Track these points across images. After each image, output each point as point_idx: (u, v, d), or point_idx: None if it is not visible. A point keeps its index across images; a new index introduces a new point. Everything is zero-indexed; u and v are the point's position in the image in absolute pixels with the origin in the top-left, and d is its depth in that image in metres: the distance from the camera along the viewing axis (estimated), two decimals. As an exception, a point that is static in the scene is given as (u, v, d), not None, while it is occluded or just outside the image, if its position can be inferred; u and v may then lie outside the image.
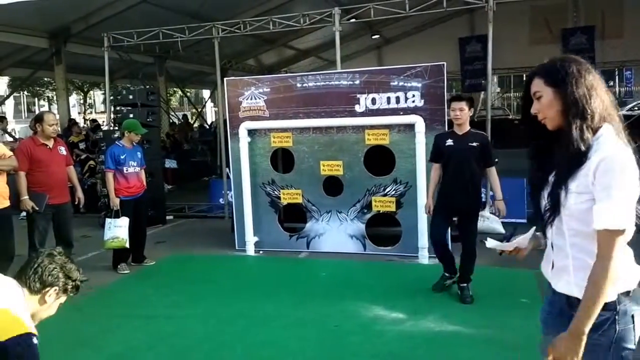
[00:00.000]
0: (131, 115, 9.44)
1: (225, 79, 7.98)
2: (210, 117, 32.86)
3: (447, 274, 5.97)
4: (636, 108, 25.87)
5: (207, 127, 20.95)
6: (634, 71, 28.28)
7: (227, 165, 11.23)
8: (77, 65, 16.02)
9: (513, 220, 7.82)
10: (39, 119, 6.50)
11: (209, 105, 28.56)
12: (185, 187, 14.26)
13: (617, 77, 29.72)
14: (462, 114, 5.66)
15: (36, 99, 40.59)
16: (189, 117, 23.47)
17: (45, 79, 27.88)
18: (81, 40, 13.40)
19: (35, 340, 2.25)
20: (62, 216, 6.57)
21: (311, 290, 6.20)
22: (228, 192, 9.63)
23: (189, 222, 10.23)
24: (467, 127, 5.76)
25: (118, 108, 10.01)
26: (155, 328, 5.27)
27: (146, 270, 7.30)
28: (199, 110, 22.28)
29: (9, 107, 41.71)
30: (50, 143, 6.49)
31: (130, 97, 9.83)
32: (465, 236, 5.83)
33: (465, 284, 5.78)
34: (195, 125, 21.63)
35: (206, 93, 32.26)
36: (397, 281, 6.42)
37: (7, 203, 5.85)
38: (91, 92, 39.02)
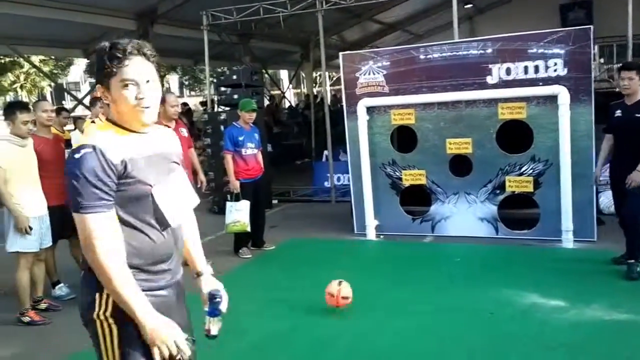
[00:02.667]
0: (235, 96, 9.16)
1: (340, 53, 7.51)
2: (291, 98, 32.66)
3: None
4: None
5: (294, 107, 20.61)
6: None
7: (325, 148, 10.91)
8: (159, 47, 15.82)
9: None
10: (161, 100, 6.21)
11: (286, 86, 28.30)
12: (279, 171, 13.99)
13: None
14: (630, 84, 5.40)
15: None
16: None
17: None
18: (167, 21, 13.07)
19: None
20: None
21: (448, 276, 5.75)
22: (341, 174, 9.26)
23: (295, 206, 9.90)
24: (638, 97, 5.42)
25: (222, 89, 9.72)
26: (293, 314, 4.99)
27: (268, 254, 7.06)
28: (284, 91, 21.95)
29: (84, 94, 42.74)
30: (172, 125, 6.24)
31: (234, 77, 9.55)
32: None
33: (633, 261, 5.37)
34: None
35: (283, 74, 31.95)
36: (543, 266, 5.86)
37: None
38: (167, 76, 39.66)
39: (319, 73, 22.31)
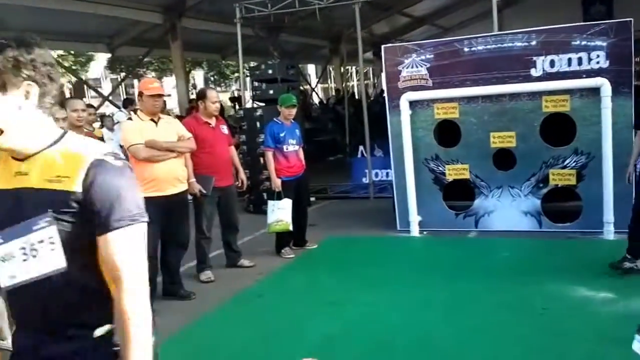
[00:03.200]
0: (271, 92, 9.16)
1: (383, 46, 7.50)
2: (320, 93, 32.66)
3: None
4: None
5: (325, 103, 20.61)
6: None
7: (362, 143, 10.91)
8: (186, 41, 15.73)
9: None
10: (201, 96, 6.21)
11: (314, 81, 28.30)
12: (314, 168, 13.99)
13: None
14: None
15: (135, 80, 41.33)
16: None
17: (146, 59, 27.54)
18: (195, 14, 12.81)
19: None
20: (227, 199, 6.31)
21: (497, 272, 5.72)
22: (379, 170, 9.25)
23: (334, 204, 9.88)
24: None
25: (256, 84, 9.70)
26: (346, 315, 4.95)
27: (311, 253, 7.01)
28: (313, 87, 21.94)
29: (106, 90, 42.51)
30: (213, 121, 6.20)
31: (270, 71, 9.46)
32: None
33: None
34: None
35: (311, 68, 31.98)
36: (588, 259, 5.84)
37: (184, 187, 5.53)
38: (193, 72, 39.78)
39: (346, 67, 22.27)
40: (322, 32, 16.32)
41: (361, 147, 11.01)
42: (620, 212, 6.26)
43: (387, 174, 10.04)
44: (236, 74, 28.94)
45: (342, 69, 20.43)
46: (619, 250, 5.55)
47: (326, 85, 29.85)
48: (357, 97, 20.36)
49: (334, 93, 22.19)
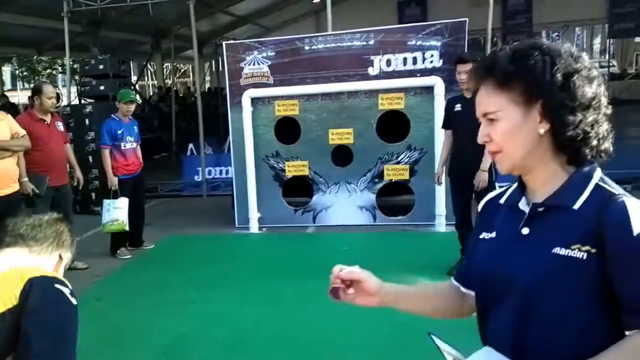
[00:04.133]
0: (102, 87, 8.63)
1: (224, 42, 7.37)
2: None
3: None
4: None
5: (147, 100, 19.71)
6: (562, 32, 29.33)
7: (190, 141, 10.61)
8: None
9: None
10: (37, 91, 5.77)
11: (134, 78, 26.88)
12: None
13: (545, 39, 30.81)
14: (469, 77, 5.01)
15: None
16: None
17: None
18: (10, 7, 11.85)
19: (66, 291, 1.72)
20: (62, 199, 5.84)
21: (329, 265, 5.81)
22: (212, 168, 9.03)
23: (166, 202, 9.49)
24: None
25: (85, 80, 9.06)
26: (195, 314, 4.77)
27: (148, 253, 6.69)
28: (134, 83, 20.85)
29: None
30: (48, 118, 5.77)
31: (101, 66, 8.87)
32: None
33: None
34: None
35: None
36: (422, 250, 6.19)
37: (17, 187, 5.08)
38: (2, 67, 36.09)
39: (166, 65, 21.62)
40: (146, 28, 15.68)
41: (190, 145, 10.71)
42: (450, 206, 6.72)
43: (221, 171, 9.87)
44: (48, 70, 26.80)
45: (162, 66, 19.73)
46: (450, 242, 5.93)
47: (143, 83, 28.65)
48: (180, 94, 19.80)
49: (156, 90, 21.35)
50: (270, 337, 4.24)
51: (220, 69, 23.50)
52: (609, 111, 1.56)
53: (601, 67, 25.23)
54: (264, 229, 7.28)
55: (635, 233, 1.40)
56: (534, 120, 1.49)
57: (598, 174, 1.55)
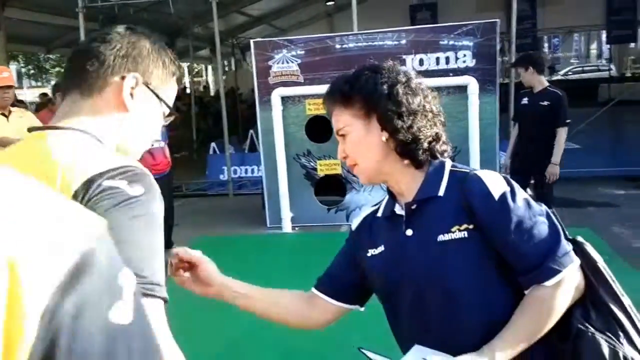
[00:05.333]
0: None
1: (252, 40, 7.32)
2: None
3: None
4: (569, 73, 27.09)
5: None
6: (562, 38, 29.58)
7: (211, 140, 10.60)
8: (10, 33, 14.31)
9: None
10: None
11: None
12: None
13: (546, 43, 30.91)
14: (524, 76, 5.81)
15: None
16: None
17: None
18: (20, 4, 11.65)
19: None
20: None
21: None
22: (237, 167, 9.00)
23: (191, 202, 9.41)
24: (543, 85, 5.78)
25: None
26: (244, 317, 4.66)
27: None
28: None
29: None
30: None
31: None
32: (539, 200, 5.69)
33: None
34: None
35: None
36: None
37: None
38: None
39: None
40: (162, 27, 15.68)
41: (213, 144, 10.72)
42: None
43: (246, 170, 9.86)
44: (57, 69, 26.83)
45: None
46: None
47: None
48: (196, 94, 19.86)
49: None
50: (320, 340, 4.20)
51: (234, 68, 23.72)
52: (441, 118, 1.73)
53: (600, 70, 25.69)
54: (296, 229, 7.26)
55: (496, 197, 1.58)
56: (376, 130, 1.67)
57: (449, 163, 1.73)
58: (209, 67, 24.95)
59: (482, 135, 6.66)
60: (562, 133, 5.75)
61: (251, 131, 11.08)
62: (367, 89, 1.67)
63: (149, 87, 1.34)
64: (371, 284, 1.86)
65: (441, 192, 1.66)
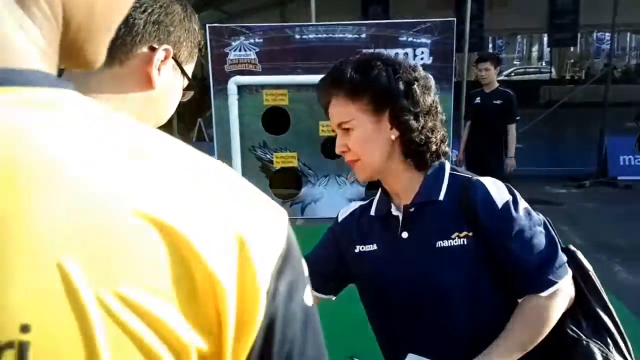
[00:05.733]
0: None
1: (207, 25, 7.09)
2: None
3: None
4: (512, 74, 27.92)
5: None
6: (506, 40, 30.52)
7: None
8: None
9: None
10: None
11: None
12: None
13: (491, 44, 31.74)
14: (488, 74, 6.00)
15: None
16: None
17: None
18: None
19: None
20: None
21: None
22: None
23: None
24: (495, 86, 6.10)
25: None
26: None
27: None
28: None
29: None
30: None
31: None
32: None
33: None
34: None
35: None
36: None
37: None
38: None
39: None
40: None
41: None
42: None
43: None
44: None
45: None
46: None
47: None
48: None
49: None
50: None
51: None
52: (443, 117, 1.73)
53: (541, 72, 26.73)
54: (248, 221, 7.15)
55: (499, 205, 1.57)
56: (385, 128, 1.62)
57: (447, 165, 1.72)
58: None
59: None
60: (513, 129, 6.13)
61: (199, 120, 10.84)
62: (382, 84, 1.59)
63: (177, 62, 1.20)
64: (354, 279, 1.87)
65: (441, 196, 1.64)
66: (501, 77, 25.89)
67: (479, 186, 1.61)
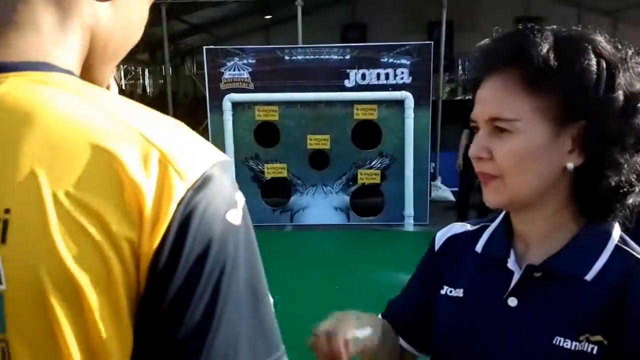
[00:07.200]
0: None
1: (204, 47, 7.69)
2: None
3: None
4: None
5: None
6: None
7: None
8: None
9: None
10: None
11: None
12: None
13: (460, 66, 32.50)
14: None
15: None
16: None
17: None
18: None
19: None
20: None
21: (324, 262, 6.30)
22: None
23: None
24: None
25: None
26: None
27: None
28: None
29: None
30: None
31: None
32: None
33: None
34: None
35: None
36: (394, 247, 6.74)
37: None
38: None
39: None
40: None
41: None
42: (418, 208, 7.41)
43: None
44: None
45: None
46: (418, 240, 6.51)
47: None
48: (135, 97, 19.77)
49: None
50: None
51: (170, 73, 23.72)
52: None
53: None
54: (242, 228, 7.65)
55: None
56: (563, 148, 1.05)
57: (617, 230, 1.13)
58: (146, 71, 24.88)
59: (416, 145, 7.31)
60: None
61: (193, 136, 11.37)
62: (588, 82, 1.01)
63: None
64: (429, 329, 1.32)
65: (590, 276, 1.08)
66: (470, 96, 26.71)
67: None
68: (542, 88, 1.02)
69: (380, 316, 1.39)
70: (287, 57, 7.40)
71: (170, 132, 0.74)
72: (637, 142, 1.04)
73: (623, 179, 1.04)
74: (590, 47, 1.02)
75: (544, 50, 1.01)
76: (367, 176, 7.59)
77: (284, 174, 7.66)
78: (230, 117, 7.45)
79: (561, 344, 1.05)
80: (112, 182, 0.66)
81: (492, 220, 1.28)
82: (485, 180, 1.12)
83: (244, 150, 7.63)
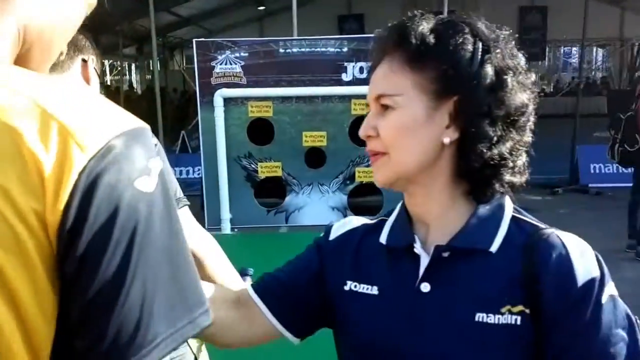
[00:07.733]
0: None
1: (194, 40, 7.31)
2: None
3: None
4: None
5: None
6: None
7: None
8: None
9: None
10: None
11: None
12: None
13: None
14: None
15: None
16: None
17: None
18: None
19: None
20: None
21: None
22: (175, 168, 8.90)
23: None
24: None
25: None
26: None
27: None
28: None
29: None
30: None
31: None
32: None
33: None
34: None
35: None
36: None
37: None
38: None
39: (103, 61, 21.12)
40: (88, 23, 15.32)
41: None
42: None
43: (181, 171, 9.81)
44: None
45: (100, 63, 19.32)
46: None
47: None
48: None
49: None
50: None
51: (158, 68, 23.34)
52: (529, 138, 1.23)
53: None
54: (236, 230, 7.31)
55: (580, 283, 1.06)
56: (440, 122, 1.12)
57: (509, 204, 1.22)
58: (132, 66, 24.46)
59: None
60: None
61: (183, 132, 11.01)
62: (461, 58, 1.08)
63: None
64: (332, 323, 1.37)
65: (494, 247, 1.13)
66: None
67: (555, 246, 1.10)
68: (422, 64, 1.12)
69: (251, 293, 1.46)
70: (281, 50, 7.04)
71: (76, 105, 0.80)
72: (507, 115, 1.13)
73: (495, 151, 1.12)
74: (467, 28, 1.12)
75: (425, 30, 1.11)
76: (365, 174, 7.24)
77: (279, 173, 7.29)
78: (222, 114, 7.06)
79: (484, 320, 1.08)
80: (14, 157, 0.71)
81: (389, 215, 1.39)
82: (374, 158, 1.21)
83: (236, 148, 7.26)
